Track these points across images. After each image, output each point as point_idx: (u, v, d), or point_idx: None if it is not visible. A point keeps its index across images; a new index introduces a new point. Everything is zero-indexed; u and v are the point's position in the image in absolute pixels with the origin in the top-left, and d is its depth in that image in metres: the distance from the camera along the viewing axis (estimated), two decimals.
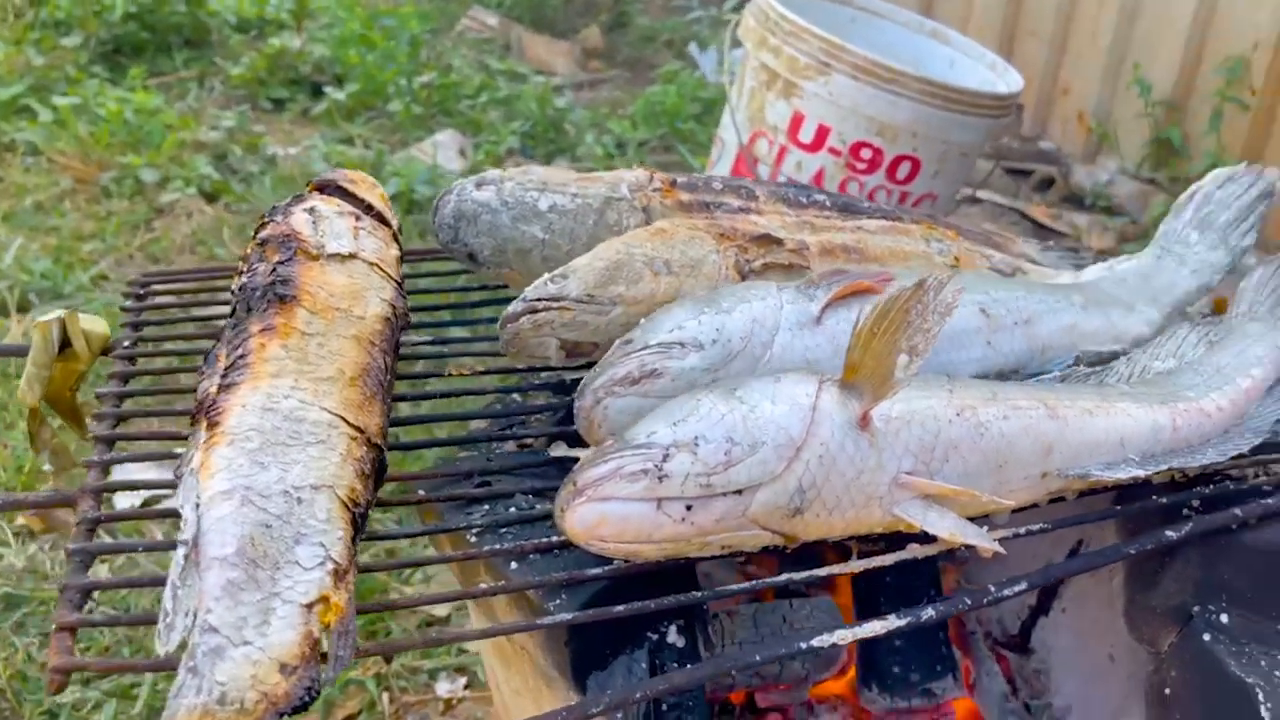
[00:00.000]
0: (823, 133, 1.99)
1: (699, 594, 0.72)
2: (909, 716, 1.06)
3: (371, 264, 0.87)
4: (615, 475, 0.67)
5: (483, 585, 0.69)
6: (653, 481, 0.67)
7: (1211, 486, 0.84)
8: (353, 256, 0.86)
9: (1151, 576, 0.87)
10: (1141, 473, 0.78)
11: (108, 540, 0.87)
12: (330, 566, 0.62)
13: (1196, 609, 0.86)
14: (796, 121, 2.01)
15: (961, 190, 2.28)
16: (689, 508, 0.68)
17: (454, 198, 1.01)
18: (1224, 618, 0.84)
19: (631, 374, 0.75)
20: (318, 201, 0.91)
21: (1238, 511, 0.82)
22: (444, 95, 3.38)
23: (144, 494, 1.64)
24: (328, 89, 3.35)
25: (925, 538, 0.76)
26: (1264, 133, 2.75)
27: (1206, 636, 0.83)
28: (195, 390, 0.76)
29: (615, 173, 1.06)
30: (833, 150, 1.99)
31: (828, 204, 1.13)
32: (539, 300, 0.86)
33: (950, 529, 0.71)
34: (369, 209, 0.96)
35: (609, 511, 0.67)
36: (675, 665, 0.75)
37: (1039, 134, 3.45)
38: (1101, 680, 1.01)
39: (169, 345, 1.00)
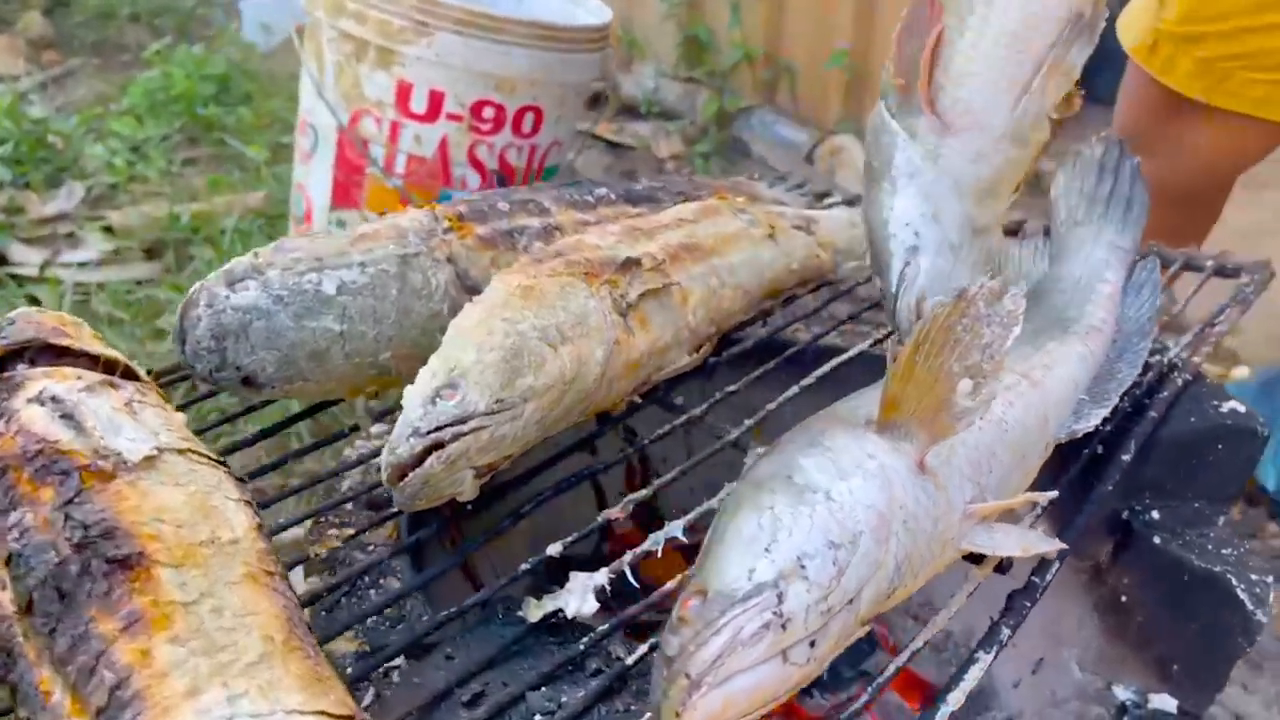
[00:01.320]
0: (436, 99, 1.79)
1: None
2: (852, 703, 1.02)
3: (182, 452, 0.59)
4: (735, 646, 0.51)
5: None
6: (776, 633, 0.52)
7: (1125, 399, 0.85)
8: (159, 453, 0.58)
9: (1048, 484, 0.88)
10: (1105, 411, 0.77)
11: None
12: None
13: (1127, 513, 0.89)
14: (404, 91, 1.78)
15: None
16: (813, 644, 0.54)
17: (204, 310, 0.73)
18: (1155, 514, 0.87)
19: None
20: (46, 381, 0.60)
21: (1153, 414, 0.84)
22: None
23: None
24: None
25: (973, 559, 0.69)
26: (779, 20, 2.96)
27: (1157, 539, 0.85)
28: None
29: (389, 221, 0.84)
30: (452, 116, 1.81)
31: (612, 197, 1.00)
32: (440, 429, 0.64)
33: (1019, 544, 0.65)
34: (110, 365, 0.66)
35: (735, 690, 0.52)
36: None
37: None
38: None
39: None
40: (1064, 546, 0.67)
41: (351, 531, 0.76)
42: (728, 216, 0.96)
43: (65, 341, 0.65)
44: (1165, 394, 0.86)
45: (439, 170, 1.84)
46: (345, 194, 1.90)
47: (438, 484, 0.64)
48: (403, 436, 0.64)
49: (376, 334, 0.78)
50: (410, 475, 0.64)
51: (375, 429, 0.95)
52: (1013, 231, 1.07)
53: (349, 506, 0.84)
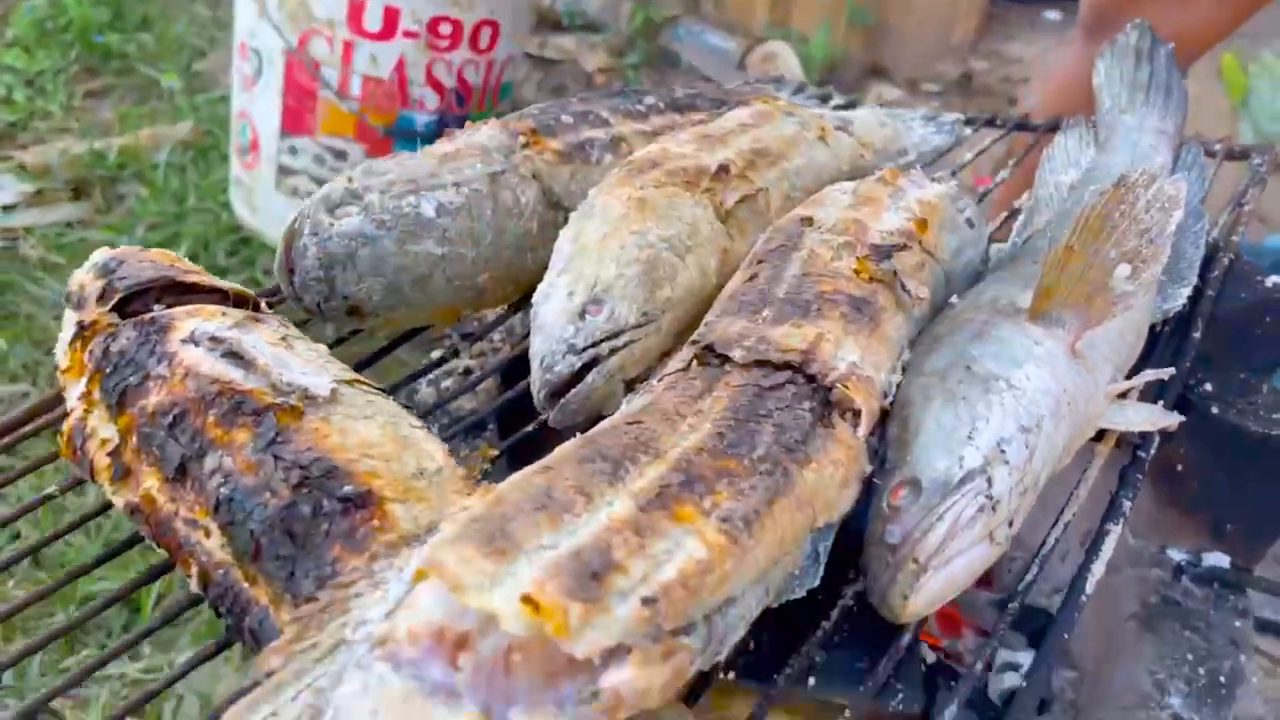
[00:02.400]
0: (392, 15, 1.71)
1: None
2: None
3: (350, 383, 0.57)
4: (955, 531, 0.53)
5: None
6: (988, 515, 0.54)
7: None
8: (335, 387, 0.56)
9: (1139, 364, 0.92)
10: (1187, 290, 0.81)
11: None
12: None
13: (1183, 386, 0.93)
14: (356, 10, 1.70)
15: None
16: (1010, 523, 0.57)
17: (310, 239, 0.70)
18: (1208, 385, 0.92)
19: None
20: (192, 321, 0.57)
21: (1211, 292, 0.88)
22: None
23: None
24: None
25: (1096, 437, 0.72)
26: None
27: (1214, 409, 0.90)
28: None
29: (466, 139, 0.81)
30: (408, 33, 1.73)
31: (661, 105, 0.98)
32: (595, 345, 0.63)
33: (1148, 419, 0.68)
34: (239, 300, 0.63)
35: (954, 571, 0.54)
36: None
37: None
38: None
39: None
40: (1183, 418, 0.70)
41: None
42: (779, 120, 0.95)
43: (194, 278, 0.62)
44: (1216, 273, 0.90)
45: (396, 91, 1.78)
46: (297, 120, 1.81)
47: (598, 399, 0.64)
48: (558, 354, 0.63)
49: (474, 255, 0.76)
50: (571, 393, 0.63)
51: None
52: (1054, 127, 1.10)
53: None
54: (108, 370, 0.56)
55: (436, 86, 1.80)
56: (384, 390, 0.59)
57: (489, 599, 0.39)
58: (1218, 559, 0.93)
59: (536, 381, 0.64)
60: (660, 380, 0.61)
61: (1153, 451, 0.74)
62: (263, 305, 0.64)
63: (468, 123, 0.85)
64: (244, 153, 1.91)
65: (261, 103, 1.83)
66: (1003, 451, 0.56)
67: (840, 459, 0.55)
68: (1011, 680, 0.96)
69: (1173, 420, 0.69)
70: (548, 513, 0.45)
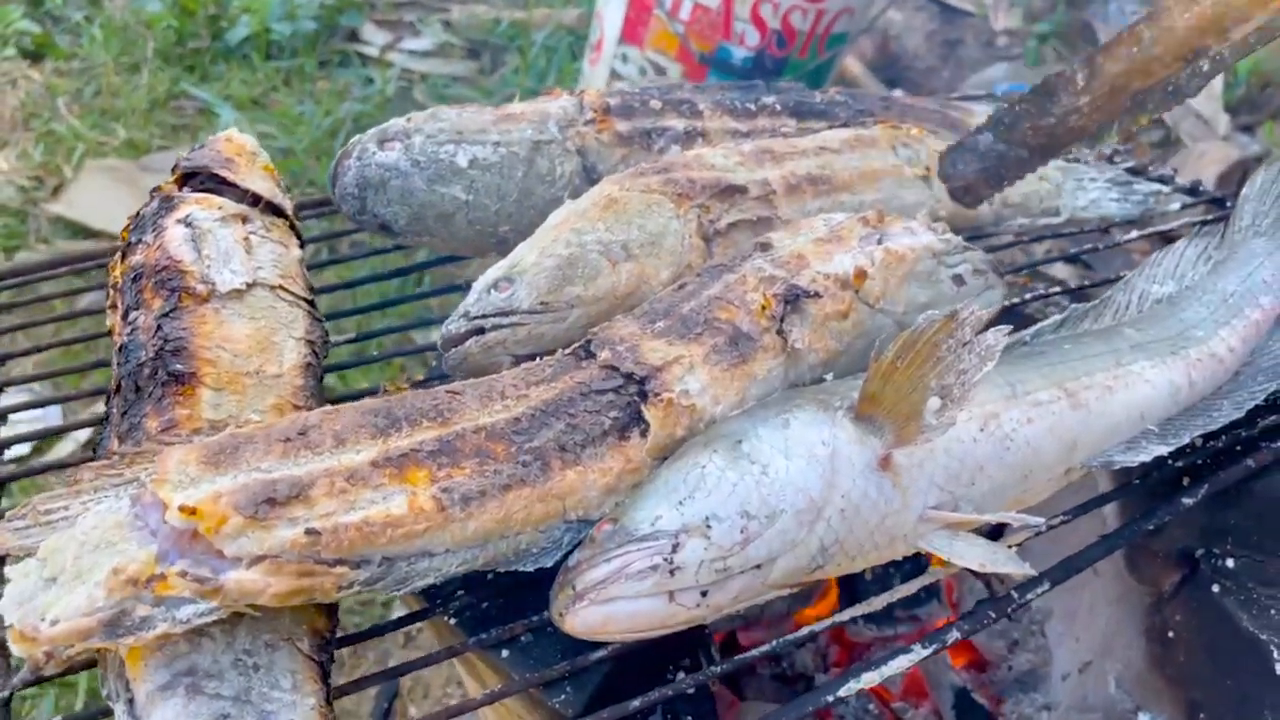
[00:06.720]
0: None
1: (715, 668, 0.65)
2: (895, 641, 1.05)
3: (274, 288, 0.72)
4: (620, 576, 0.58)
5: (485, 692, 0.61)
6: (663, 576, 0.58)
7: (1224, 438, 0.79)
8: (250, 286, 0.71)
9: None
10: (1164, 449, 0.72)
11: None
12: None
13: (1200, 552, 0.83)
14: None
15: None
16: (704, 593, 0.60)
17: (354, 163, 0.85)
18: (1229, 561, 0.82)
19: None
20: (194, 206, 0.75)
21: (1250, 463, 0.77)
22: None
23: None
24: None
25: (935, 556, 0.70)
26: None
27: (1215, 588, 0.80)
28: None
29: (538, 104, 0.91)
30: None
31: (778, 107, 1.00)
32: (485, 318, 0.73)
33: (979, 559, 0.65)
34: (256, 200, 0.80)
35: (615, 612, 0.59)
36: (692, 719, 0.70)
37: None
38: (1082, 588, 1.00)
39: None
40: (1032, 573, 0.66)
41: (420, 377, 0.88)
42: (883, 150, 0.94)
43: (227, 172, 0.79)
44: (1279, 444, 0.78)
45: (720, 21, 1.86)
46: (633, 30, 1.96)
47: (475, 362, 0.74)
48: (456, 315, 0.74)
49: (498, 208, 0.87)
50: (453, 350, 0.74)
51: None
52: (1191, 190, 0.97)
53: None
54: (132, 227, 0.76)
55: (759, 24, 1.85)
56: (308, 300, 0.74)
57: (170, 495, 0.53)
58: None
59: (440, 333, 0.75)
60: (537, 360, 0.70)
61: (1027, 600, 0.70)
62: (285, 208, 0.81)
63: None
64: (591, 49, 2.10)
65: (611, 8, 2.00)
66: (709, 526, 0.58)
67: (611, 468, 0.62)
68: None
69: (1015, 569, 0.65)
70: (288, 445, 0.57)
